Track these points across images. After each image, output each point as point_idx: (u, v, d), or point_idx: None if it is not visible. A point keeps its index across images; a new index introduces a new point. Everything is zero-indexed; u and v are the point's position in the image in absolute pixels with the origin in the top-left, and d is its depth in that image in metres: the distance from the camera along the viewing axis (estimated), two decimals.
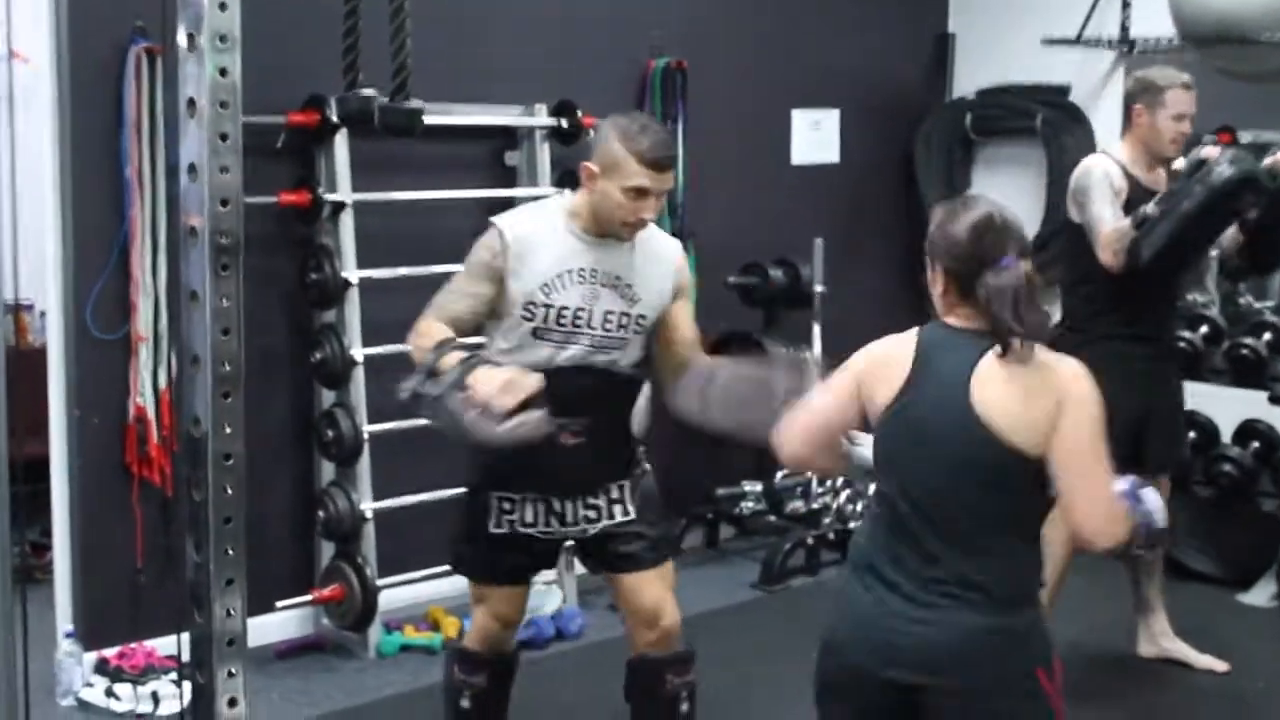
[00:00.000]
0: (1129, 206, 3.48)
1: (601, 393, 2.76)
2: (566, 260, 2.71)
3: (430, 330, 2.71)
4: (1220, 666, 3.87)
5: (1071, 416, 2.08)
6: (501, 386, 2.47)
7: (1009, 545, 2.12)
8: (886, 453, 2.17)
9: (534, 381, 2.50)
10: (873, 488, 2.32)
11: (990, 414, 2.07)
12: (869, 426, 2.21)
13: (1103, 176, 3.55)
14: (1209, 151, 3.34)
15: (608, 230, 2.71)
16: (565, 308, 2.70)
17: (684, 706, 2.87)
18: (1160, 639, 3.92)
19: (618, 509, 2.85)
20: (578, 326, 2.71)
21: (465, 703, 2.93)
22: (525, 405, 2.47)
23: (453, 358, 2.59)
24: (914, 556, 2.11)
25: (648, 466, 2.96)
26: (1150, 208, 3.40)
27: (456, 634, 4.00)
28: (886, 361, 2.18)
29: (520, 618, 3.02)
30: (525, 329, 2.71)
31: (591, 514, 2.83)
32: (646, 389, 2.89)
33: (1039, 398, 2.09)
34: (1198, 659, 3.88)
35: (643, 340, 2.82)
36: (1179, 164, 3.41)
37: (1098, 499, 2.09)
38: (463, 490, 2.94)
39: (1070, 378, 2.13)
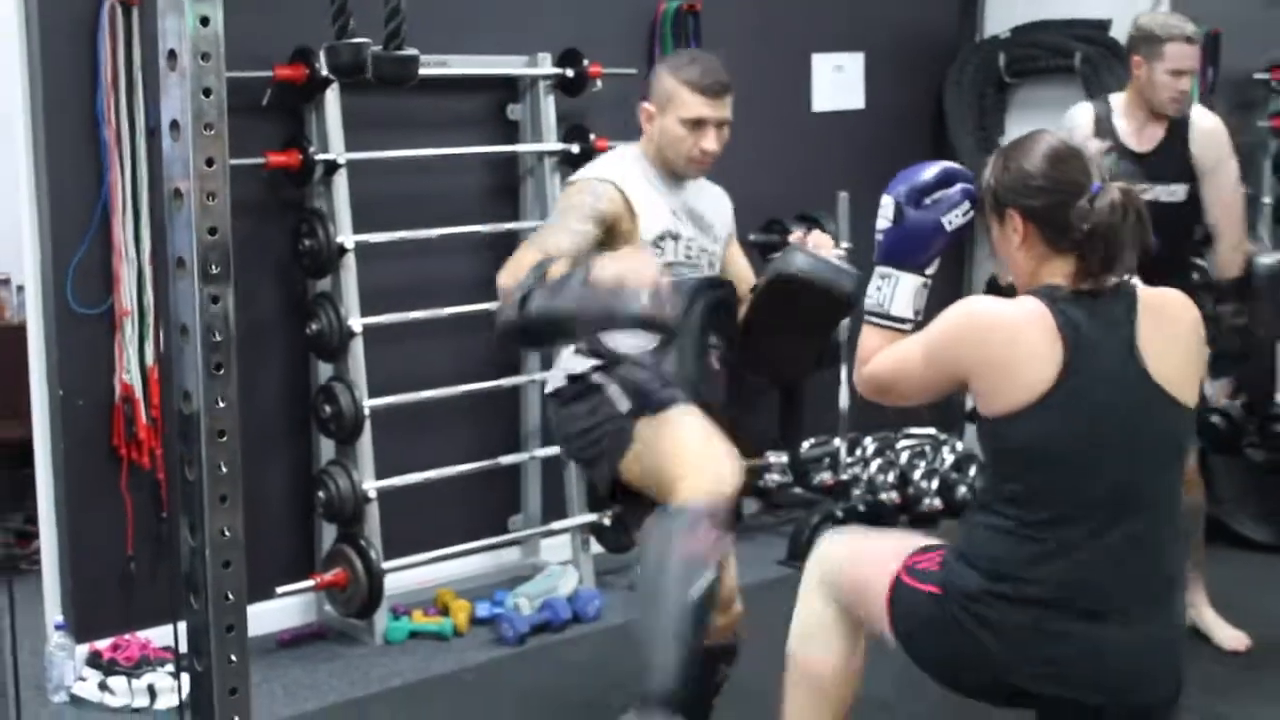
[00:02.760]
0: None
1: (728, 324, 2.90)
2: (662, 198, 2.86)
3: (529, 260, 2.69)
4: (1241, 642, 3.84)
5: (1198, 356, 2.07)
6: (638, 264, 2.42)
7: (1179, 546, 2.11)
8: (1038, 446, 1.99)
9: (657, 262, 2.56)
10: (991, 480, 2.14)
11: (1169, 383, 1.99)
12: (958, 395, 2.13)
13: (1065, 130, 3.61)
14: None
15: (675, 168, 2.88)
16: (692, 240, 2.89)
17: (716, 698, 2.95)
18: (1192, 610, 3.92)
19: None
20: (697, 259, 2.89)
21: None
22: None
23: (560, 265, 2.61)
24: (1089, 575, 1.99)
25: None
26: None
27: (467, 619, 4.03)
28: (1016, 341, 1.99)
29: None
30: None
31: None
32: None
33: (1188, 347, 2.05)
34: (1222, 632, 3.88)
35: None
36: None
37: None
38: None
39: (1190, 309, 2.09)
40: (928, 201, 2.16)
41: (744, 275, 3.06)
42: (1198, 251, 4.39)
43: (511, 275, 2.66)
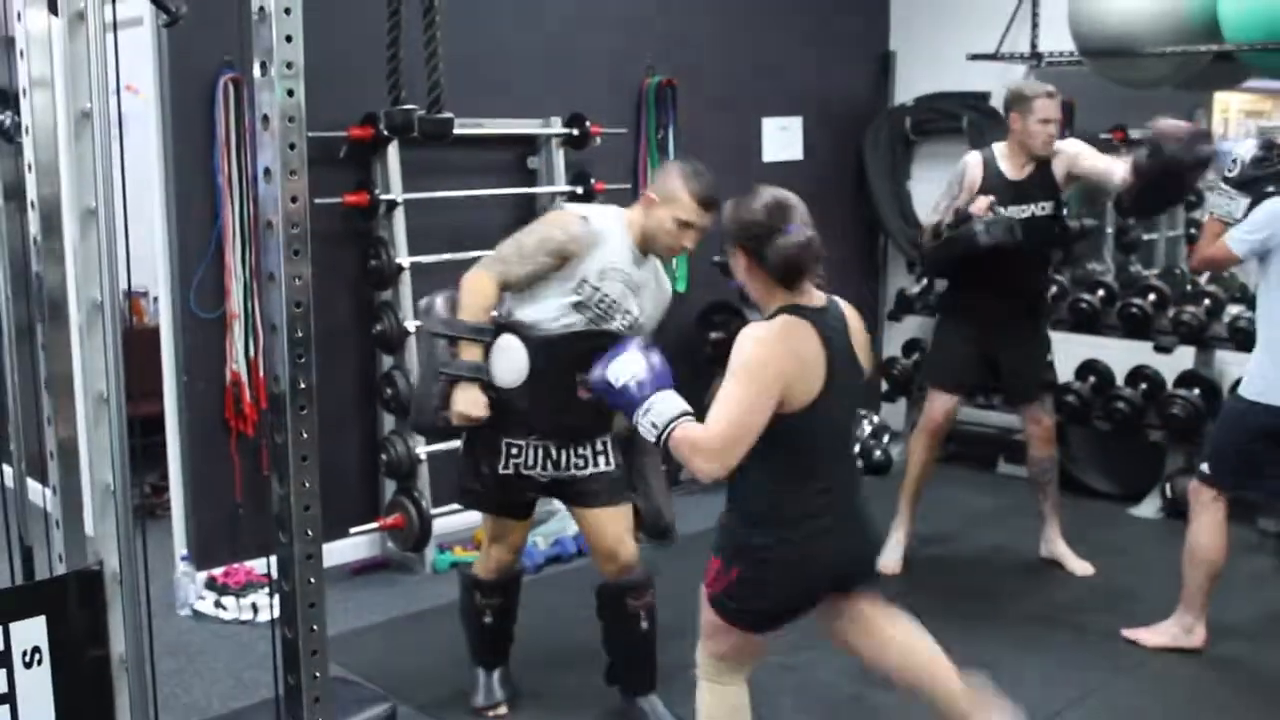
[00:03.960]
0: (984, 193, 3.59)
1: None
2: (619, 260, 2.71)
3: (486, 291, 2.66)
4: (1086, 570, 3.85)
5: (866, 344, 2.21)
6: (467, 408, 2.64)
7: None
8: (810, 425, 2.04)
9: (482, 415, 2.66)
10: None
11: (865, 363, 2.17)
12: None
13: (959, 170, 3.67)
14: (977, 207, 3.53)
15: (651, 248, 2.74)
16: (607, 295, 2.71)
17: (644, 625, 2.83)
18: (1049, 543, 3.95)
19: (601, 459, 2.81)
20: (606, 312, 2.71)
21: (487, 619, 2.97)
22: (466, 422, 2.66)
23: (475, 353, 2.65)
24: (835, 494, 2.13)
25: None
26: (947, 221, 3.59)
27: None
28: (799, 353, 2.03)
29: (524, 545, 3.02)
30: (570, 300, 2.68)
31: (580, 461, 2.79)
32: None
33: (861, 338, 2.19)
34: (1071, 562, 3.89)
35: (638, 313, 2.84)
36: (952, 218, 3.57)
37: None
38: (466, 436, 2.85)
39: (855, 315, 2.21)
40: (650, 355, 2.15)
41: None
42: (1063, 259, 4.45)
43: (468, 296, 2.66)
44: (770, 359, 2.02)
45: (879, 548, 2.37)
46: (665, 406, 2.06)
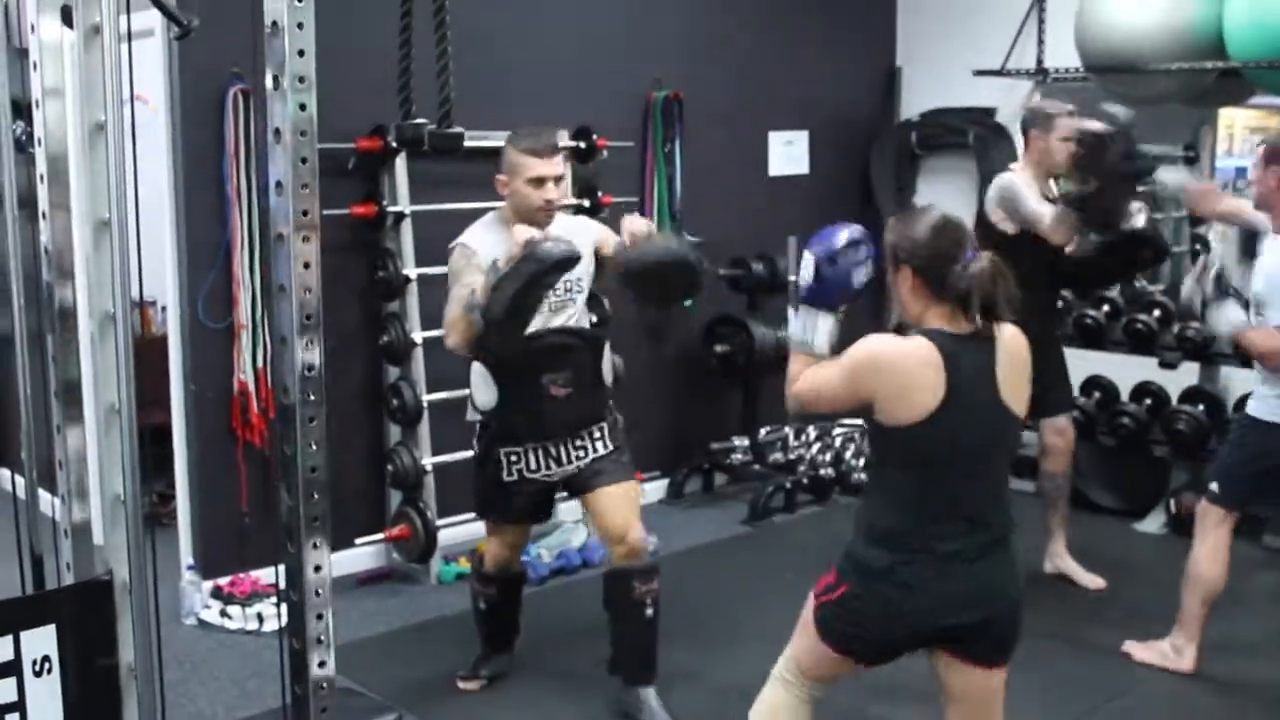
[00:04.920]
0: None
1: (574, 348, 2.83)
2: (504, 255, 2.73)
3: (459, 314, 2.70)
4: (1098, 584, 3.85)
5: (1027, 378, 2.11)
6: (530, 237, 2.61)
7: (1006, 498, 2.13)
8: (927, 447, 2.01)
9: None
10: (882, 469, 2.12)
11: (1013, 403, 2.06)
12: (864, 415, 2.07)
13: (1024, 184, 3.59)
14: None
15: (530, 220, 2.78)
16: None
17: (649, 611, 2.85)
18: (1055, 558, 3.93)
19: (599, 444, 2.89)
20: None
21: (482, 605, 3.10)
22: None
23: (479, 279, 2.65)
24: (963, 531, 2.03)
25: (618, 415, 2.99)
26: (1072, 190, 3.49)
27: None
28: (904, 370, 2.00)
29: (525, 544, 3.17)
30: None
31: (580, 452, 2.87)
32: (608, 349, 2.97)
33: (1019, 372, 2.09)
34: (1082, 576, 3.88)
35: (584, 300, 2.87)
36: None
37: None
38: (475, 449, 2.97)
39: (1023, 345, 2.11)
40: (841, 261, 2.13)
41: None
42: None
43: (455, 331, 2.68)
44: (869, 366, 2.03)
45: (1009, 610, 2.10)
46: (797, 326, 2.16)
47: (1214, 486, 3.15)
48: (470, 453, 4.00)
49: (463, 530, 4.07)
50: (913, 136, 5.35)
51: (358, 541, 3.91)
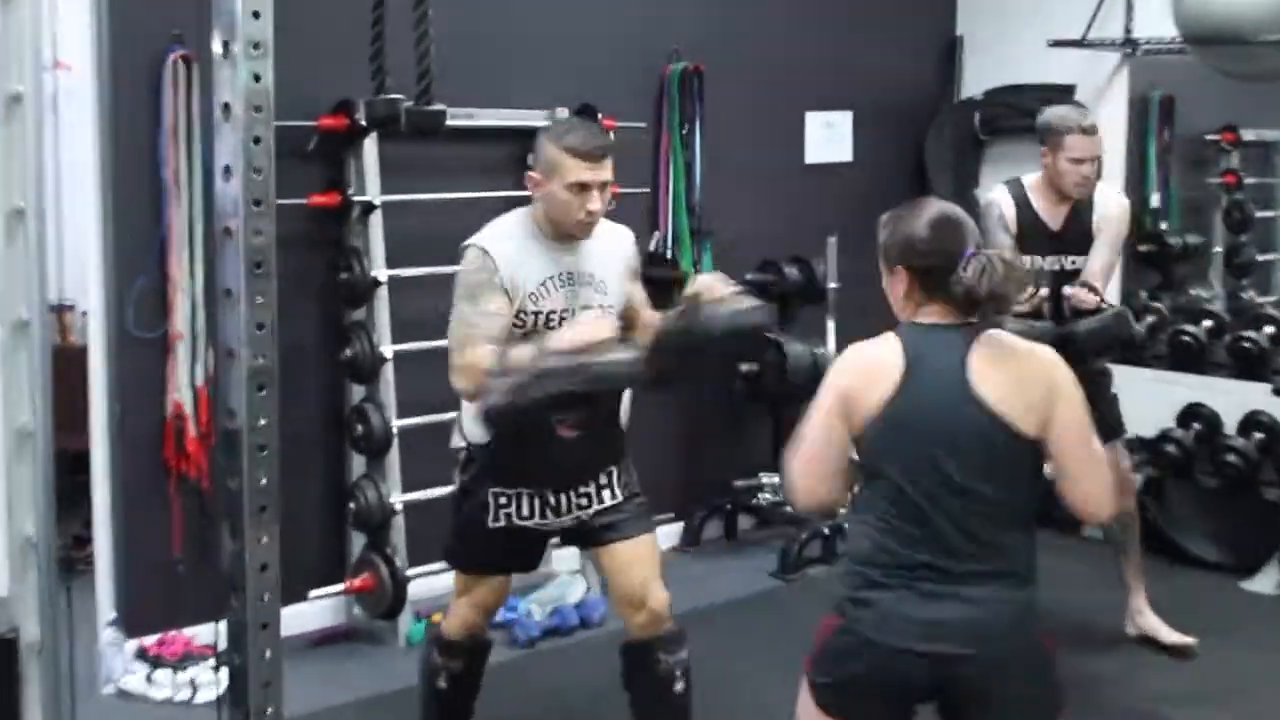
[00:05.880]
0: (1019, 240, 3.59)
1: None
2: (546, 268, 2.73)
3: (482, 357, 2.64)
4: (1186, 641, 3.83)
5: (1064, 401, 2.11)
6: (590, 328, 2.62)
7: (1021, 533, 2.12)
8: (884, 450, 2.10)
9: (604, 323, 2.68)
10: (857, 488, 2.22)
11: (991, 399, 2.07)
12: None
13: (995, 215, 3.66)
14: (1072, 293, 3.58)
15: (565, 231, 2.74)
16: (552, 312, 2.73)
17: (679, 686, 2.83)
18: (1136, 616, 3.92)
19: (606, 493, 2.85)
20: (550, 328, 2.72)
21: (442, 683, 3.00)
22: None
23: (522, 350, 2.60)
24: (937, 548, 2.07)
25: (630, 461, 2.96)
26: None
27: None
28: (869, 368, 2.13)
29: (500, 606, 3.08)
30: (516, 335, 2.71)
31: (583, 501, 2.84)
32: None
33: (1032, 383, 2.10)
34: (1167, 634, 3.86)
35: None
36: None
37: (1095, 476, 2.13)
38: (457, 483, 2.91)
39: (1052, 364, 2.14)
40: None
41: (645, 313, 2.91)
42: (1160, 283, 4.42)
43: (470, 378, 2.64)
44: (836, 375, 2.16)
45: (1002, 642, 2.09)
46: None
47: None
48: (449, 488, 4.03)
49: (438, 581, 4.05)
50: (976, 118, 5.36)
51: (313, 594, 3.91)
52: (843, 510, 4.67)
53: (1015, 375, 2.10)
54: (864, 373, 2.13)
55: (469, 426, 2.83)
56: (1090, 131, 3.58)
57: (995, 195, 3.72)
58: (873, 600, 2.10)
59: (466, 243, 2.79)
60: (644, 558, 2.84)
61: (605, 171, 2.72)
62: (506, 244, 2.75)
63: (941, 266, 2.10)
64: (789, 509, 4.92)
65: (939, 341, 2.12)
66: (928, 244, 2.13)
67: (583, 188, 2.69)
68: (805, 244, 4.87)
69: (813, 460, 2.16)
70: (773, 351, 4.76)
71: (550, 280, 2.74)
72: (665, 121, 4.70)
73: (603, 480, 2.85)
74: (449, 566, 3.07)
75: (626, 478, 2.89)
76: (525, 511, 2.82)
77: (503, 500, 2.81)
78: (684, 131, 4.71)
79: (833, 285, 4.83)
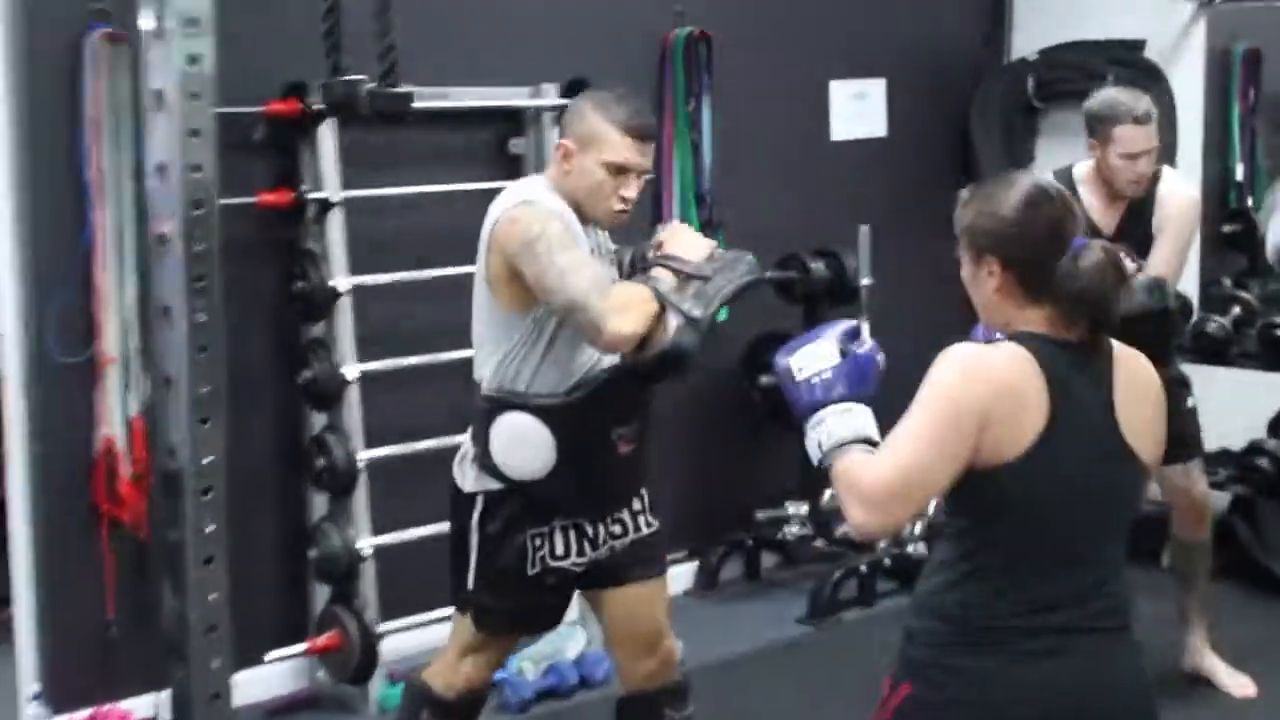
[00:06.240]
0: None
1: (642, 393, 2.83)
2: (585, 238, 2.75)
3: (633, 288, 2.67)
4: (1245, 689, 3.85)
5: (1162, 418, 2.09)
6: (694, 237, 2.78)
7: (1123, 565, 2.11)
8: (1023, 495, 1.99)
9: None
10: (958, 534, 2.09)
11: (1134, 441, 2.04)
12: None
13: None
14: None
15: (588, 217, 2.75)
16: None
17: None
18: (1194, 653, 3.94)
19: (641, 519, 2.89)
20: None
21: None
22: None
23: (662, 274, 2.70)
24: (1071, 597, 2.03)
25: None
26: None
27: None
28: (1012, 388, 1.98)
29: (506, 660, 3.14)
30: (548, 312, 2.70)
31: (616, 529, 2.86)
32: None
33: (1149, 408, 2.08)
34: (1225, 678, 3.88)
35: None
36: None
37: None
38: (480, 532, 2.83)
39: (1153, 373, 2.12)
40: (855, 347, 2.12)
41: None
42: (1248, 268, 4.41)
43: (638, 311, 2.61)
44: (967, 387, 1.98)
45: (1142, 708, 2.09)
46: (840, 424, 2.05)
47: None
48: (426, 530, 4.04)
49: (413, 638, 4.06)
50: (1029, 82, 5.38)
51: (270, 656, 3.90)
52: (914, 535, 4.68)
53: (1137, 398, 2.07)
54: (1008, 394, 1.97)
55: (511, 459, 2.75)
56: (1144, 120, 3.56)
57: None
58: (976, 668, 2.02)
59: (519, 199, 2.74)
60: (661, 598, 2.90)
61: (649, 157, 2.75)
62: (557, 202, 2.74)
63: (1048, 259, 2.01)
64: (819, 544, 4.94)
65: (1070, 363, 2.01)
66: (1030, 229, 2.02)
67: (622, 170, 2.69)
68: (833, 235, 4.88)
69: (913, 482, 1.97)
70: None
71: (596, 247, 2.80)
72: (669, 96, 4.72)
73: (636, 505, 2.89)
74: (477, 628, 3.01)
75: (652, 501, 2.93)
76: (560, 550, 2.81)
77: (538, 541, 2.80)
78: (690, 107, 4.72)
79: (866, 282, 4.84)
